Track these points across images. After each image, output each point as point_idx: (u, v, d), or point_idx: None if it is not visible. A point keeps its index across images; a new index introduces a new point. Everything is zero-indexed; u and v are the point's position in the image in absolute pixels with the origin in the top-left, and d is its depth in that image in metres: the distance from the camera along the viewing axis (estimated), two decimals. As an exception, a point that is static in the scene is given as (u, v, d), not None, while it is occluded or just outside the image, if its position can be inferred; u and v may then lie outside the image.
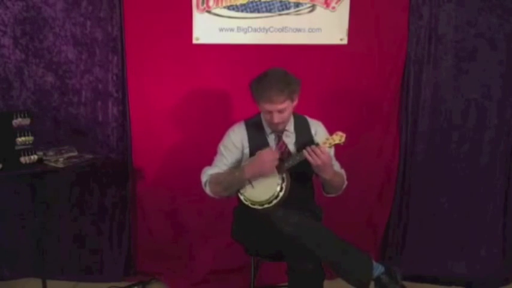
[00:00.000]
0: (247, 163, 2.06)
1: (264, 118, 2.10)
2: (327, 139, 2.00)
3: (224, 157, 2.13)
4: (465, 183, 2.70)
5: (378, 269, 1.85)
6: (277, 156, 2.00)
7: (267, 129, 2.14)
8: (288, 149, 2.12)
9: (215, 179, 2.10)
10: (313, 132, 2.17)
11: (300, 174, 2.08)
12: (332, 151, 2.13)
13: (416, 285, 2.63)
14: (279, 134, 2.13)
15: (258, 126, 2.14)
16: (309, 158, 1.95)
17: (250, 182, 2.05)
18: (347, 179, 2.20)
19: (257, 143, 2.11)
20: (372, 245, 2.76)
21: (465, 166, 2.69)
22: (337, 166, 2.18)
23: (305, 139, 2.12)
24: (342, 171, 2.19)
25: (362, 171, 2.63)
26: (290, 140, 2.14)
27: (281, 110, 1.99)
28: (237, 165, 2.13)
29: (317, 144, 1.99)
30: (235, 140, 2.13)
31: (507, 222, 2.73)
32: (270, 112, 1.99)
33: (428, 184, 2.71)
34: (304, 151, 1.96)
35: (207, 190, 2.14)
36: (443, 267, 2.73)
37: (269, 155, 2.00)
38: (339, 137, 1.98)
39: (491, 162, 2.68)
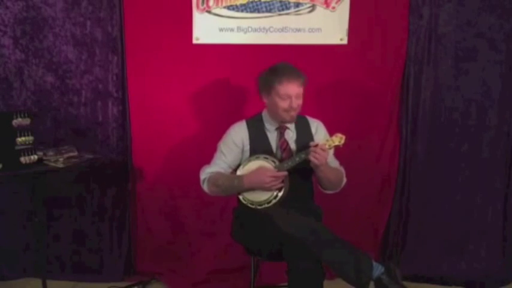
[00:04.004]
0: (247, 174, 2.05)
1: (278, 107, 2.05)
2: (327, 140, 2.01)
3: (223, 155, 2.14)
4: (465, 183, 2.70)
5: (378, 269, 1.85)
6: (278, 184, 2.00)
7: (269, 127, 2.14)
8: (289, 147, 2.13)
9: (214, 180, 2.10)
10: (313, 131, 2.18)
11: (299, 175, 2.09)
12: (331, 150, 2.13)
13: (416, 285, 2.63)
14: (281, 130, 2.13)
15: (259, 124, 2.15)
16: (314, 160, 1.95)
17: None
18: (347, 178, 2.20)
19: (258, 141, 2.12)
20: (372, 245, 2.76)
21: (465, 166, 2.69)
22: (336, 163, 2.19)
23: (305, 137, 2.13)
24: (341, 169, 2.20)
25: (362, 171, 2.63)
26: (291, 137, 2.15)
27: (298, 95, 2.02)
28: (236, 164, 2.13)
29: (316, 145, 1.99)
30: (236, 139, 2.13)
31: (507, 223, 2.73)
32: (289, 97, 2.01)
33: (428, 184, 2.71)
34: (307, 155, 1.97)
35: (205, 187, 2.15)
36: (443, 267, 2.73)
37: (271, 180, 1.98)
38: (339, 139, 1.99)
39: (491, 163, 2.68)
